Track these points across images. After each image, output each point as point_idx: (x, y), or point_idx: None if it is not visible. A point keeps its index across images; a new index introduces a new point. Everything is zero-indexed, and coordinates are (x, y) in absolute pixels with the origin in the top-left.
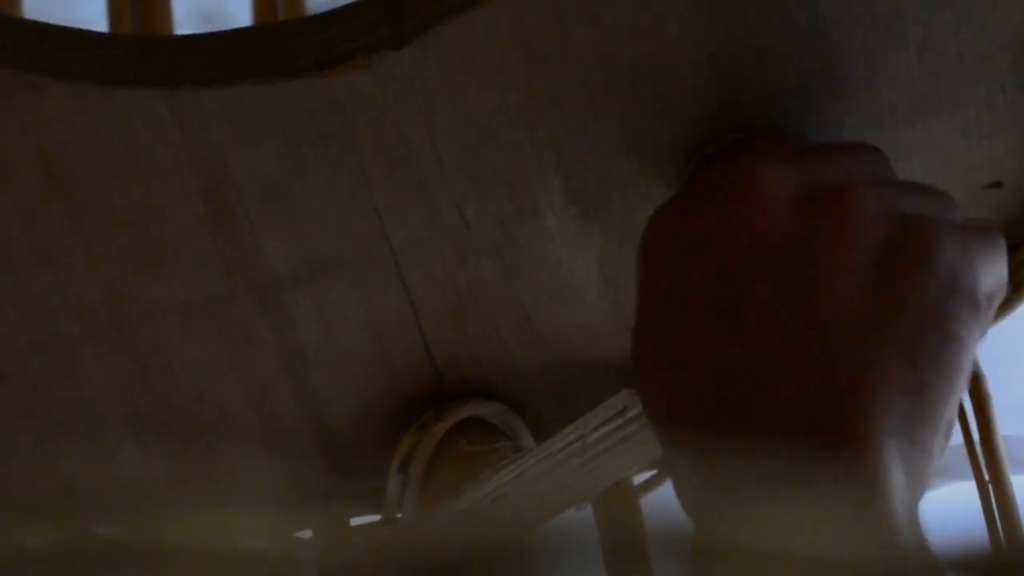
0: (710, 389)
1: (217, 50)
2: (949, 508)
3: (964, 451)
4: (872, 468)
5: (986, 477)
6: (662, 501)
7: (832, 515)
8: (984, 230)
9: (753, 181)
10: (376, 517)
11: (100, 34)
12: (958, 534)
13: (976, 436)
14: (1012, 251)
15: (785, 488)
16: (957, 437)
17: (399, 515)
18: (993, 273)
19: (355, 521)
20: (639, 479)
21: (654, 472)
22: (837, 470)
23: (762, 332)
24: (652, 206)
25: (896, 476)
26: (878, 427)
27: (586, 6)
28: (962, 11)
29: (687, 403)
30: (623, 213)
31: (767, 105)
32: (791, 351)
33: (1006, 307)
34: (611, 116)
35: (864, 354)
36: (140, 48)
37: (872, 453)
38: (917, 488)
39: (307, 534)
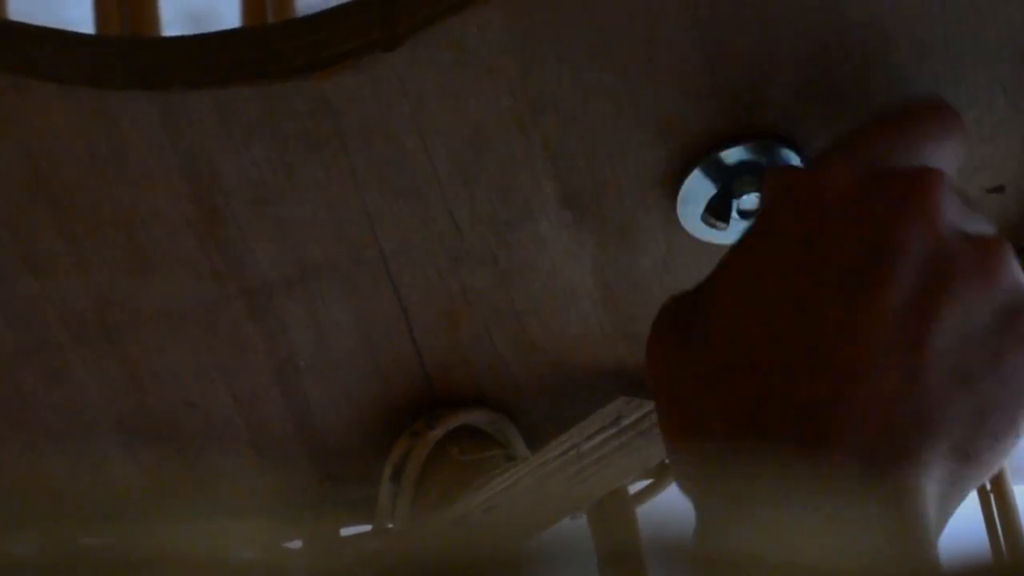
0: (749, 402)
1: (206, 52)
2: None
3: None
4: (913, 498)
5: (987, 486)
6: (658, 510)
7: (856, 530)
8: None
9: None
10: (367, 526)
11: (87, 36)
12: (959, 544)
13: None
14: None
15: (805, 500)
16: None
17: (390, 525)
18: None
19: (346, 531)
20: (635, 488)
21: (650, 481)
22: (877, 492)
23: (813, 345)
24: (647, 212)
25: (932, 503)
26: (930, 457)
27: (582, 8)
28: (962, 13)
29: (718, 414)
30: (618, 219)
31: (765, 109)
32: (839, 370)
33: None
34: (607, 120)
35: (940, 405)
36: (128, 50)
37: (918, 484)
38: (939, 530)
39: (297, 544)
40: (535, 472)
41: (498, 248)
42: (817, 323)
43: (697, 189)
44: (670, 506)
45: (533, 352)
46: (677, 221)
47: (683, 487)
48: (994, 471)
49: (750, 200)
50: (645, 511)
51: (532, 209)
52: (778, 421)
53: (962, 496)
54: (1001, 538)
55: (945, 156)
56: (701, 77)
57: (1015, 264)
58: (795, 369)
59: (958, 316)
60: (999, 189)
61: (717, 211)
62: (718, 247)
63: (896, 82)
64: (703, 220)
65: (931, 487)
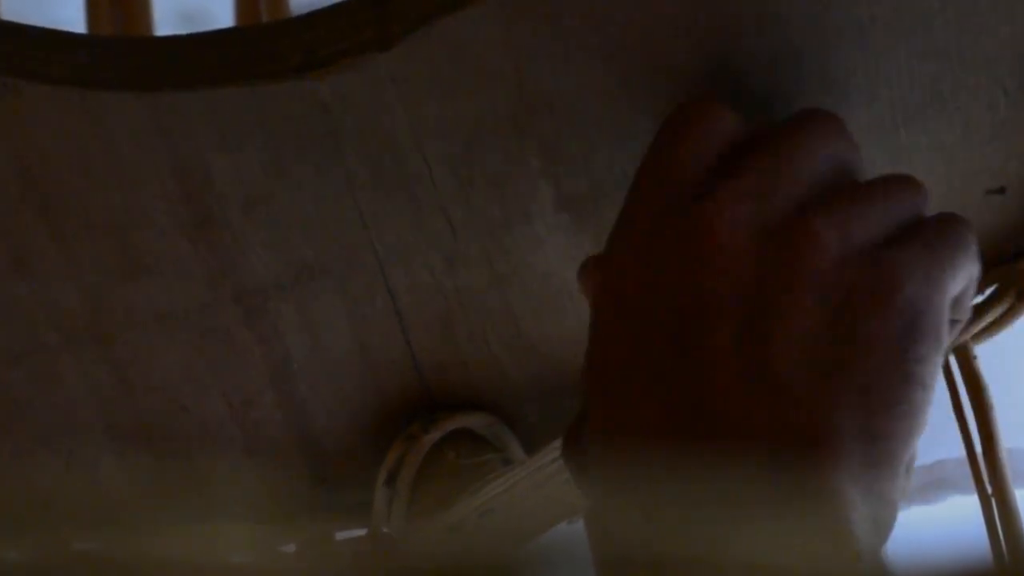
0: (668, 427)
1: (198, 52)
2: (950, 522)
3: (966, 464)
4: (833, 516)
5: (988, 491)
6: None
7: (782, 537)
8: (952, 233)
9: (710, 230)
10: (362, 531)
11: (78, 35)
12: (959, 549)
13: (978, 448)
14: (1015, 259)
15: (748, 510)
16: (959, 449)
17: (386, 529)
18: (962, 277)
19: (341, 535)
20: None
21: None
22: (799, 513)
23: (720, 374)
24: None
25: (858, 520)
26: (836, 475)
27: (580, 8)
28: (963, 12)
29: (643, 438)
30: (614, 219)
31: (765, 110)
32: (747, 394)
33: (1010, 317)
34: (604, 121)
35: (820, 400)
36: (119, 50)
37: (832, 502)
38: (881, 533)
39: (291, 548)
40: (532, 476)
41: (493, 250)
42: (681, 371)
43: None
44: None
45: (529, 355)
46: None
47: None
48: (913, 439)
49: None
50: None
51: (528, 210)
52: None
53: (893, 482)
54: (1003, 542)
55: (814, 172)
56: (702, 77)
57: (822, 245)
58: (679, 414)
59: (790, 324)
60: (1000, 191)
61: None
62: None
63: (896, 84)
64: None
65: (850, 486)
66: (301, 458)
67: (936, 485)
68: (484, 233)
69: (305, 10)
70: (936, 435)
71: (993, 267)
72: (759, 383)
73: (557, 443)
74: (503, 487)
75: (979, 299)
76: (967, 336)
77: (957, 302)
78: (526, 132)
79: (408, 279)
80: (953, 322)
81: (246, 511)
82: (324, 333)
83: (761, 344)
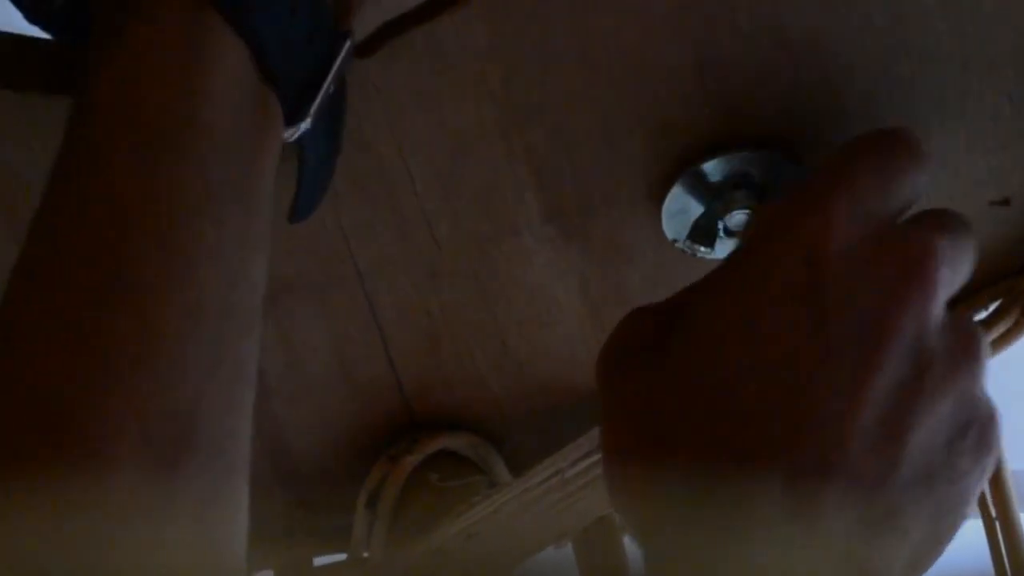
0: (726, 438)
1: None
2: (952, 547)
3: None
4: None
5: (993, 514)
6: None
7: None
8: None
9: (926, 271)
10: (342, 555)
11: (42, 40)
12: (963, 573)
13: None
14: (1020, 272)
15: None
16: None
17: (366, 553)
18: None
19: (319, 560)
20: None
21: None
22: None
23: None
24: (636, 226)
25: None
26: (893, 559)
27: (568, 13)
28: (966, 18)
29: (687, 437)
30: (605, 233)
31: (759, 119)
32: (826, 444)
33: (1015, 332)
34: (593, 130)
35: (910, 494)
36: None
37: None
38: None
39: (268, 574)
40: (518, 499)
41: (479, 264)
42: (808, 385)
43: (686, 202)
44: None
45: (516, 373)
46: (666, 235)
47: (626, 515)
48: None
49: (739, 219)
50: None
51: (515, 223)
52: (761, 466)
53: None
54: (1007, 568)
55: (918, 190)
56: (692, 84)
57: (982, 364)
58: (781, 425)
59: (933, 415)
60: (1004, 202)
61: (703, 232)
62: (709, 263)
63: (898, 91)
64: (684, 245)
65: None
66: (277, 480)
67: None
68: (470, 247)
69: None
70: None
71: (997, 281)
72: (888, 442)
73: (545, 464)
74: (488, 510)
75: (983, 314)
76: None
77: None
78: (513, 142)
79: (390, 294)
80: None
81: None
82: (302, 350)
83: (910, 411)
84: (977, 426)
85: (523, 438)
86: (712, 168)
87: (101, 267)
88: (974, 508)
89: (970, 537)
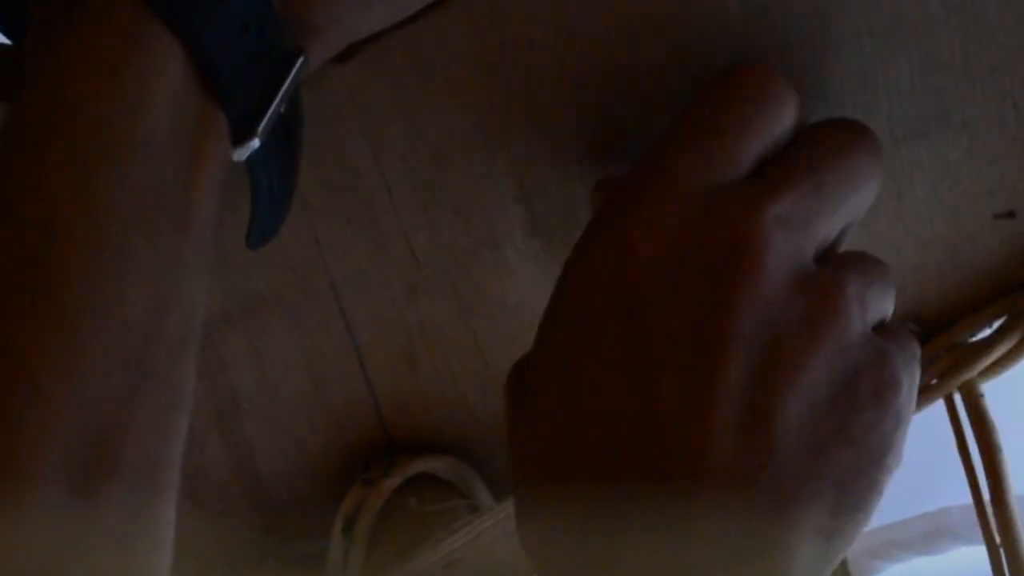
0: (623, 455)
1: None
2: (956, 572)
3: (972, 511)
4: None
5: (997, 541)
6: None
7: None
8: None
9: (757, 251)
10: None
11: (4, 46)
12: None
13: (986, 495)
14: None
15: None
16: (965, 495)
17: None
18: None
19: None
20: None
21: None
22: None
23: (718, 409)
24: None
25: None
26: (796, 542)
27: (553, 17)
28: (970, 19)
29: (587, 472)
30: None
31: None
32: (737, 439)
33: (1019, 352)
34: (579, 139)
35: (802, 476)
36: None
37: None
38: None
39: None
40: (501, 524)
41: (459, 279)
42: (655, 399)
43: None
44: None
45: (498, 392)
46: None
47: (529, 547)
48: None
49: None
50: None
51: (497, 236)
52: (631, 485)
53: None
54: None
55: (785, 124)
56: (683, 92)
57: (854, 312)
58: (639, 448)
59: (802, 386)
60: (1009, 215)
61: None
62: None
63: (896, 97)
64: None
65: (804, 553)
66: (249, 504)
67: (940, 534)
68: (449, 260)
69: None
70: (940, 480)
71: (1000, 297)
72: (754, 433)
73: None
74: (469, 536)
75: (986, 332)
76: (974, 372)
77: None
78: (495, 151)
79: (367, 310)
80: None
81: (189, 562)
82: (275, 368)
83: (770, 394)
84: (868, 372)
85: (505, 460)
86: None
87: (27, 280)
88: (901, 454)
89: (973, 563)
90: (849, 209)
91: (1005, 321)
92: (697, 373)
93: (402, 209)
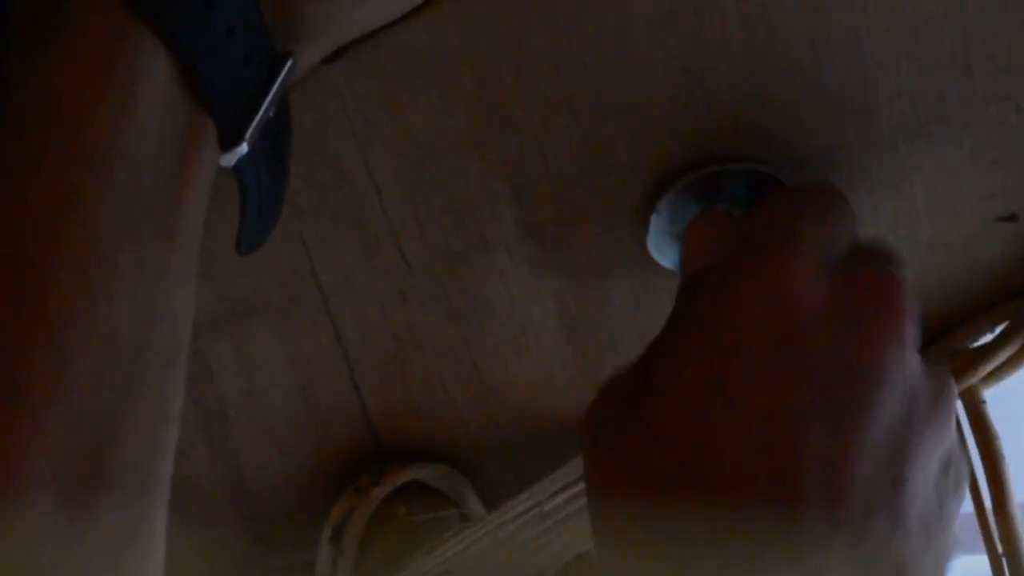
0: (688, 477)
1: None
2: None
3: (974, 520)
4: None
5: (999, 550)
6: None
7: None
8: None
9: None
10: None
11: None
12: None
13: (988, 505)
14: None
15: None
16: (966, 504)
17: None
18: None
19: None
20: None
21: None
22: None
23: (800, 446)
24: (617, 240)
25: None
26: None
27: (545, 14)
28: (971, 19)
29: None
30: (585, 249)
31: (751, 125)
32: (829, 501)
33: (1021, 358)
34: (572, 138)
35: (914, 545)
36: None
37: None
38: None
39: None
40: (492, 534)
41: (450, 283)
42: (799, 440)
43: (672, 217)
44: None
45: (489, 399)
46: (651, 253)
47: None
48: None
49: None
50: None
51: (489, 239)
52: (760, 527)
53: None
54: None
55: (850, 238)
56: (679, 91)
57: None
58: (770, 485)
59: (924, 456)
60: (1011, 218)
61: None
62: None
63: (897, 100)
64: (670, 263)
65: None
66: (236, 514)
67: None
68: (440, 265)
69: None
70: None
71: (1002, 303)
72: (889, 491)
73: (521, 497)
74: (461, 546)
75: (988, 338)
76: (975, 378)
77: None
78: (487, 151)
79: (356, 315)
80: None
81: (174, 572)
82: (262, 375)
83: (905, 458)
84: (955, 465)
85: (497, 469)
86: (701, 182)
87: (13, 294)
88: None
89: (975, 572)
90: None
91: (1007, 326)
92: (848, 417)
93: (391, 211)
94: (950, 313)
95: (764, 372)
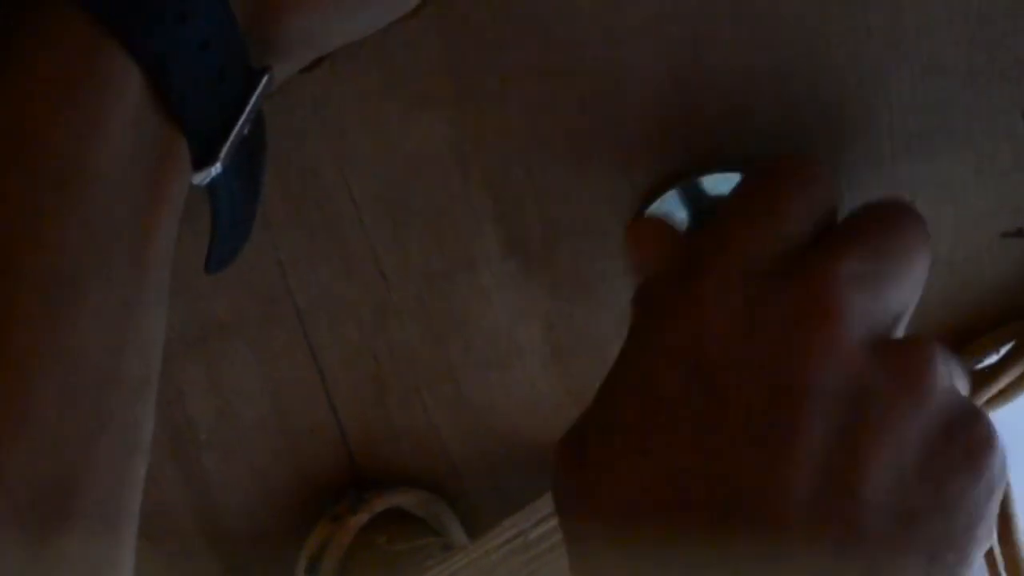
0: (703, 509)
1: None
2: None
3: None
4: None
5: (1002, 575)
6: None
7: None
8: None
9: (831, 315)
10: None
11: None
12: None
13: (993, 534)
14: None
15: None
16: None
17: None
18: None
19: None
20: None
21: None
22: None
23: (797, 475)
24: (606, 258)
25: None
26: None
27: (530, 23)
28: (975, 22)
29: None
30: (572, 268)
31: (745, 134)
32: (818, 505)
33: None
34: (559, 152)
35: (891, 548)
36: None
37: None
38: None
39: None
40: (476, 563)
41: (431, 302)
42: (732, 472)
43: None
44: None
45: (472, 423)
46: None
47: None
48: None
49: None
50: None
51: (472, 256)
52: (708, 543)
53: None
54: None
55: (816, 208)
56: (668, 101)
57: (941, 371)
58: (719, 524)
59: (891, 449)
60: (1018, 233)
61: None
62: None
63: (898, 107)
64: None
65: None
66: (209, 543)
67: None
68: (421, 282)
69: None
70: None
71: (1008, 321)
72: (839, 500)
73: (505, 525)
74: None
75: (994, 359)
76: (980, 401)
77: None
78: (470, 165)
79: (333, 335)
80: None
81: None
82: (234, 397)
83: (855, 460)
84: (961, 433)
85: (481, 495)
86: (691, 193)
87: None
88: (993, 526)
89: None
90: (904, 285)
91: (1013, 346)
92: (775, 439)
93: (370, 227)
94: (953, 333)
95: (683, 410)
